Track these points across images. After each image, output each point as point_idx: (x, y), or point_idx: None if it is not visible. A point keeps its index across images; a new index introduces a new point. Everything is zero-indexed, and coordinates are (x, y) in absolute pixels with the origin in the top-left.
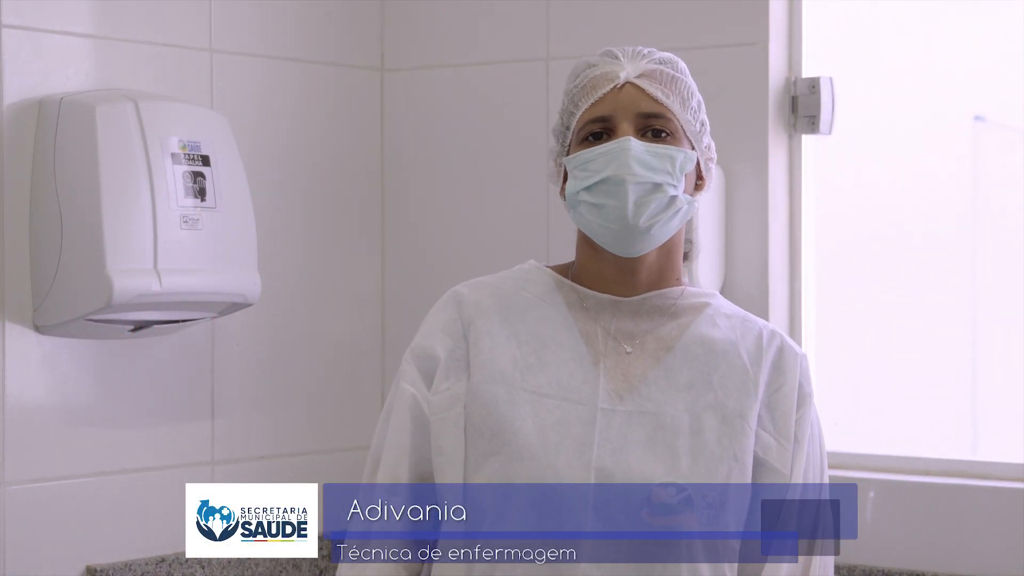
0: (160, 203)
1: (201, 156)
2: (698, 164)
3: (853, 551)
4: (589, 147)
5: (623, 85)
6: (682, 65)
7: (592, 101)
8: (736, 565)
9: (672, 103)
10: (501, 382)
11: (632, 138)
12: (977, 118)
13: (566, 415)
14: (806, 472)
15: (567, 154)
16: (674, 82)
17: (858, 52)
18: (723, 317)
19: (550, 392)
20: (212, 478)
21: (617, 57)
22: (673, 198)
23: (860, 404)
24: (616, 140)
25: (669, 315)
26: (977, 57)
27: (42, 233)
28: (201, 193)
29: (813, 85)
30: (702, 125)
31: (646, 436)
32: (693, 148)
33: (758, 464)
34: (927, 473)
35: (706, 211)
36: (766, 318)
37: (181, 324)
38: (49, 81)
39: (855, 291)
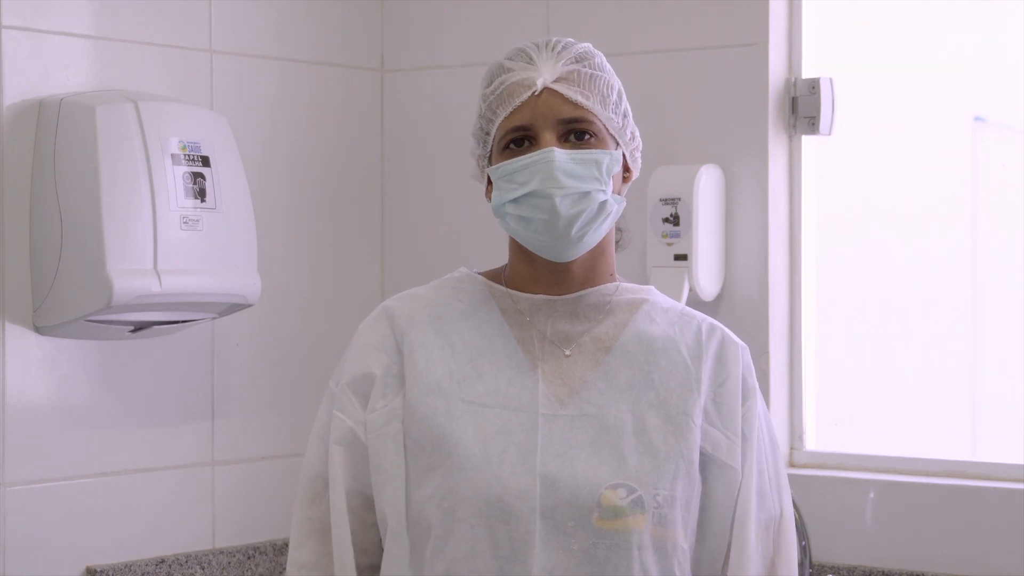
0: (160, 204)
1: (201, 157)
2: (624, 156)
3: (853, 552)
4: (511, 156)
5: (540, 92)
6: (599, 59)
7: (510, 110)
8: (687, 565)
9: (593, 104)
10: (438, 394)
11: (556, 148)
12: (977, 119)
13: (507, 423)
14: (759, 467)
15: (489, 159)
16: (593, 81)
17: (858, 53)
18: (660, 312)
19: (489, 401)
20: (212, 479)
21: (532, 60)
22: (603, 203)
23: (860, 405)
24: (539, 151)
25: (605, 312)
26: (977, 57)
27: (42, 234)
28: (201, 194)
29: (813, 86)
30: (624, 117)
31: (590, 439)
32: (618, 144)
33: (708, 461)
34: (927, 474)
35: (705, 212)
36: (766, 320)
37: (181, 325)
38: (49, 82)
39: (855, 291)
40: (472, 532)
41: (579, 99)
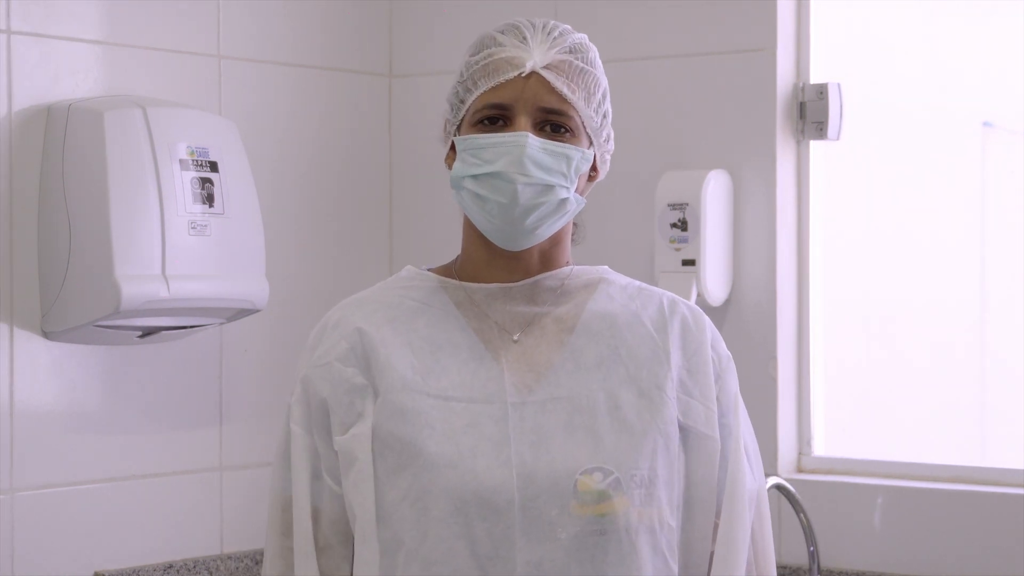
0: (168, 209)
1: (209, 162)
2: (595, 157)
3: (861, 557)
4: (483, 131)
5: (528, 75)
6: (592, 54)
7: (492, 85)
8: (675, 543)
9: (577, 98)
10: (403, 390)
11: (530, 135)
12: (985, 124)
13: (476, 416)
14: (744, 438)
15: (458, 128)
16: (582, 75)
17: (866, 58)
18: (618, 289)
19: (456, 395)
20: (220, 484)
21: (525, 39)
22: (563, 200)
23: (868, 410)
24: (513, 133)
25: (561, 294)
26: (985, 63)
27: (50, 239)
28: (209, 199)
29: (821, 91)
30: (604, 117)
31: (563, 422)
32: (591, 143)
33: (686, 433)
34: (935, 479)
35: (713, 217)
36: (774, 325)
37: (189, 330)
38: (58, 87)
39: (863, 296)
40: (449, 531)
41: (564, 91)
